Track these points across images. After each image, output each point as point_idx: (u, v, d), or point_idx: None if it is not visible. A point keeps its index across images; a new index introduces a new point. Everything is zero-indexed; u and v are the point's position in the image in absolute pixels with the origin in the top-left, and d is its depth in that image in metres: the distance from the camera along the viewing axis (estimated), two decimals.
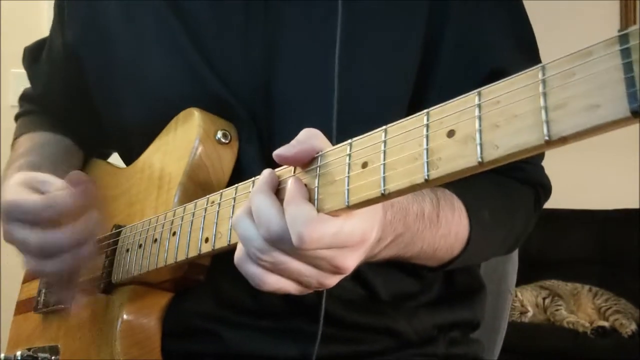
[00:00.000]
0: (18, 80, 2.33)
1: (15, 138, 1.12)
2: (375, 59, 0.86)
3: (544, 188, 0.94)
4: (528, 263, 3.12)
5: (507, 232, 0.90)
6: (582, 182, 3.56)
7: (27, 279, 1.10)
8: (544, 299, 3.19)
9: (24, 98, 1.20)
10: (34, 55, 1.15)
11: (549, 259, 3.48)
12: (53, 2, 1.08)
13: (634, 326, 2.97)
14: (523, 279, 3.08)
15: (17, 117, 1.20)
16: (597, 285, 3.25)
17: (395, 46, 0.86)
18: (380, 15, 0.86)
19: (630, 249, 3.35)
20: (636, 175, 3.33)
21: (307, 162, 0.61)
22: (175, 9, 0.91)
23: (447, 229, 0.77)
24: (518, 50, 0.90)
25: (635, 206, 3.40)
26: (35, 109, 1.17)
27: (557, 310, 3.13)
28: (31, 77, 1.17)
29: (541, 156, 0.95)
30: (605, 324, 3.00)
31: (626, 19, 3.74)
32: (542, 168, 0.95)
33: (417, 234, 0.74)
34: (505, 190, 0.89)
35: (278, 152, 0.61)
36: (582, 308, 3.17)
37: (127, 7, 0.95)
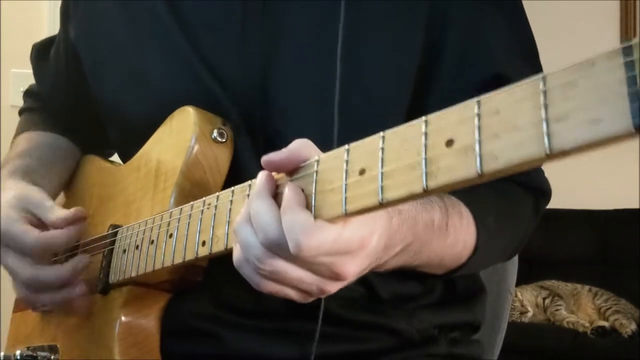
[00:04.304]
0: (18, 80, 2.33)
1: (16, 135, 1.12)
2: (375, 61, 0.85)
3: (543, 193, 0.93)
4: (528, 263, 3.13)
5: (511, 238, 0.90)
6: (582, 182, 3.56)
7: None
8: (544, 299, 3.19)
9: (29, 94, 1.20)
10: (41, 53, 1.16)
11: (549, 259, 3.48)
12: (53, 2, 1.08)
13: (634, 326, 2.98)
14: (523, 279, 3.09)
15: (20, 112, 1.20)
16: (597, 285, 3.25)
17: (396, 49, 0.86)
18: (381, 17, 0.86)
19: (631, 249, 3.35)
20: (636, 175, 3.32)
21: (294, 169, 0.61)
22: (172, 8, 0.91)
23: (455, 237, 0.77)
24: (519, 56, 0.90)
25: (635, 206, 3.39)
26: (38, 106, 1.17)
27: (557, 310, 3.13)
28: (38, 74, 1.17)
29: None
30: (605, 324, 3.01)
31: (626, 19, 3.73)
32: (542, 172, 0.94)
33: (426, 243, 0.73)
34: (507, 196, 0.88)
35: (266, 157, 0.61)
36: (582, 308, 3.17)
37: (125, 6, 0.95)
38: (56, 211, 0.89)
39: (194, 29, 0.89)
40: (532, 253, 3.30)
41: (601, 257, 3.49)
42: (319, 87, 0.83)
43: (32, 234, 0.87)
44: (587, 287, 3.24)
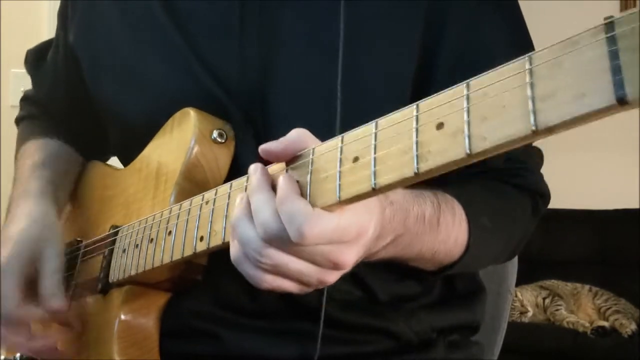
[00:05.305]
0: (18, 80, 2.33)
1: (21, 144, 1.11)
2: (374, 61, 0.85)
3: (542, 196, 0.93)
4: (528, 263, 3.13)
5: (507, 239, 0.90)
6: (582, 182, 3.56)
7: None
8: (544, 299, 3.19)
9: (26, 100, 1.19)
10: (37, 57, 1.15)
11: (549, 259, 3.48)
12: (52, 2, 1.08)
13: (634, 326, 2.98)
14: (523, 279, 3.08)
15: (18, 120, 1.19)
16: (597, 285, 3.25)
17: (394, 48, 0.86)
18: (379, 17, 0.86)
19: (630, 249, 3.35)
20: (636, 175, 3.33)
21: (291, 158, 0.61)
22: (170, 8, 0.91)
23: (446, 233, 0.77)
24: (517, 56, 0.90)
25: (635, 206, 3.40)
26: (37, 113, 1.16)
27: (557, 310, 3.13)
28: (35, 79, 1.17)
29: (540, 163, 0.94)
30: (605, 324, 3.01)
31: None
32: (541, 175, 0.94)
33: (417, 237, 0.73)
34: (504, 197, 0.88)
35: (264, 147, 0.62)
36: (582, 308, 3.17)
37: (123, 7, 0.95)
38: (53, 286, 0.89)
39: (192, 30, 0.89)
40: (532, 253, 3.31)
41: (601, 257, 3.50)
42: (318, 86, 0.83)
43: (12, 301, 0.88)
44: (587, 287, 3.24)
